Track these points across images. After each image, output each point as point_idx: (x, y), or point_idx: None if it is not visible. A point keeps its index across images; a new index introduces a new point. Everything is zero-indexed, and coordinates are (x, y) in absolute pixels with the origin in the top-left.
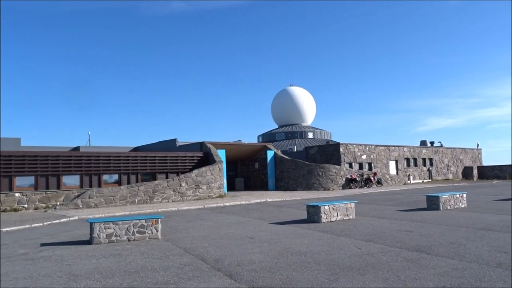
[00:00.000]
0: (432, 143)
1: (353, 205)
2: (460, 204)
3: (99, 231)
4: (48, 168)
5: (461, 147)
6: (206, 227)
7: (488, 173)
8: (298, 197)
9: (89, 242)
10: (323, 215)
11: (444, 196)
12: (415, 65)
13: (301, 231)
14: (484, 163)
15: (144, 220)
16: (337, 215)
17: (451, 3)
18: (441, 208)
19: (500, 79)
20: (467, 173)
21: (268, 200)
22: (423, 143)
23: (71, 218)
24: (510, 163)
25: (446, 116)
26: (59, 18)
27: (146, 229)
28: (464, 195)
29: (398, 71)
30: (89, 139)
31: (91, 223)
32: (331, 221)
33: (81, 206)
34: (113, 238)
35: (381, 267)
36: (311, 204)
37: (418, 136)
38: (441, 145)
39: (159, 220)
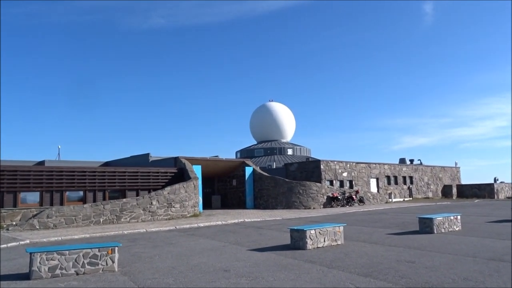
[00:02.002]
0: (411, 161)
1: (341, 228)
2: (455, 227)
3: (40, 263)
4: (4, 184)
5: (440, 165)
6: (175, 254)
7: (467, 191)
8: (278, 217)
9: (26, 277)
10: (308, 241)
11: (438, 218)
12: (390, 85)
13: (285, 262)
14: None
15: (97, 249)
16: (324, 240)
17: (424, 24)
18: (435, 231)
19: (471, 100)
20: (446, 191)
21: (246, 220)
22: (402, 160)
23: (22, 242)
24: (488, 182)
25: (421, 135)
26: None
27: (100, 260)
28: (459, 217)
29: (373, 90)
30: (58, 153)
31: (30, 253)
32: (317, 247)
33: (37, 227)
34: (58, 271)
35: None
36: (295, 228)
37: (393, 154)
38: (421, 163)
39: (116, 248)
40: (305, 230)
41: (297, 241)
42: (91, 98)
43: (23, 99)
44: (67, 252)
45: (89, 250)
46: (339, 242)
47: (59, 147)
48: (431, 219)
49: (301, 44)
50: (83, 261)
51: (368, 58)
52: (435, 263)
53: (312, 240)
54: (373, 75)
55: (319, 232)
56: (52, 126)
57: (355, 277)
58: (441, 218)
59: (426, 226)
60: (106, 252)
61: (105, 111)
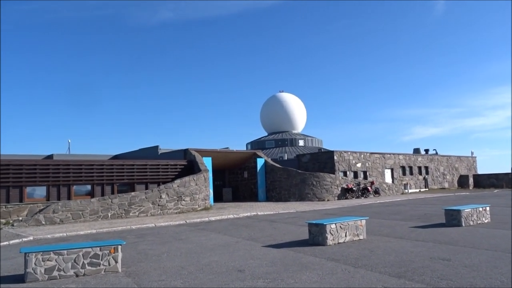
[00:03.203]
0: (427, 150)
1: (363, 222)
2: (484, 219)
3: (35, 264)
4: (9, 178)
5: (456, 155)
6: (184, 252)
7: (484, 181)
8: (292, 210)
9: (22, 279)
10: (329, 236)
11: (466, 210)
12: (400, 75)
13: (305, 259)
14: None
15: (98, 248)
16: (345, 235)
17: (435, 14)
18: (463, 224)
19: (483, 89)
20: (462, 181)
21: (259, 213)
22: (416, 150)
23: (25, 239)
24: (506, 172)
25: (432, 125)
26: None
27: (101, 260)
28: (488, 209)
29: (384, 81)
30: (69, 147)
31: (25, 254)
32: (338, 242)
33: (43, 222)
34: (55, 273)
35: None
36: (314, 222)
37: (404, 144)
38: (436, 153)
39: (119, 247)
40: (325, 225)
41: (316, 236)
42: (102, 92)
43: (35, 95)
44: (65, 251)
45: (89, 249)
46: (361, 237)
47: (69, 141)
48: (458, 211)
49: (310, 35)
50: (83, 262)
51: (378, 48)
52: (474, 261)
53: (332, 235)
54: (384, 66)
55: (340, 227)
56: (63, 121)
57: (386, 278)
58: (469, 209)
59: (453, 218)
60: (108, 251)
61: (115, 105)
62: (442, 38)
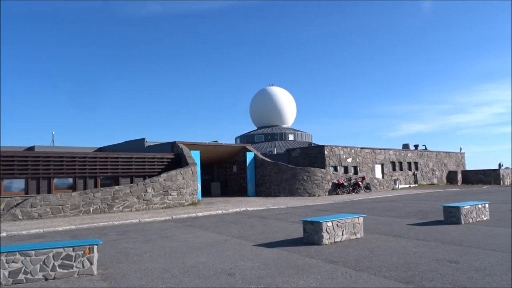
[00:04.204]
0: (416, 146)
1: (361, 220)
2: (483, 217)
3: None
4: None
5: (445, 151)
6: (169, 251)
7: (472, 177)
8: (282, 205)
9: None
10: (325, 234)
11: (466, 207)
12: (388, 71)
13: (301, 261)
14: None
15: (71, 249)
16: (342, 234)
17: (423, 12)
18: (463, 222)
19: (469, 86)
20: (451, 177)
21: (249, 209)
22: (405, 146)
23: None
24: (494, 168)
25: (418, 122)
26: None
27: (75, 262)
28: (487, 206)
29: (371, 76)
30: (52, 139)
31: None
32: (335, 241)
33: (20, 217)
34: (21, 276)
35: None
36: (309, 219)
37: (391, 140)
38: (426, 149)
39: (95, 247)
40: (321, 223)
41: (311, 234)
42: (89, 84)
43: (18, 86)
44: (33, 252)
45: (61, 250)
46: (358, 236)
47: (53, 133)
48: (458, 208)
49: (300, 30)
50: (54, 264)
51: (366, 44)
52: (485, 264)
53: (329, 233)
54: (372, 62)
55: (337, 225)
56: (48, 113)
57: (393, 284)
58: (469, 206)
59: (452, 215)
60: (82, 252)
61: (102, 97)
62: (429, 36)
